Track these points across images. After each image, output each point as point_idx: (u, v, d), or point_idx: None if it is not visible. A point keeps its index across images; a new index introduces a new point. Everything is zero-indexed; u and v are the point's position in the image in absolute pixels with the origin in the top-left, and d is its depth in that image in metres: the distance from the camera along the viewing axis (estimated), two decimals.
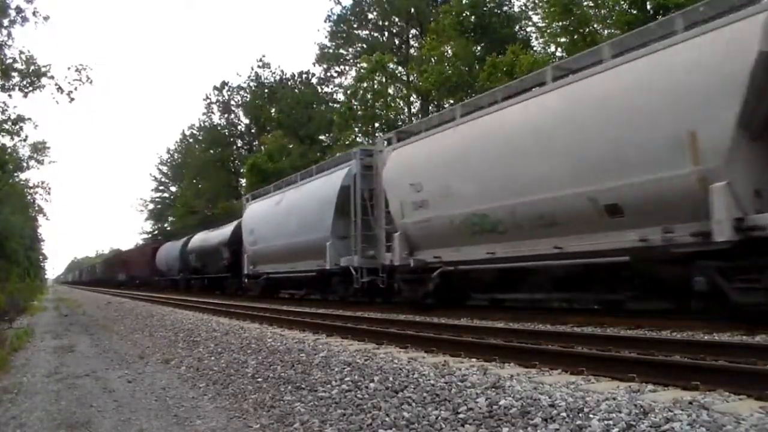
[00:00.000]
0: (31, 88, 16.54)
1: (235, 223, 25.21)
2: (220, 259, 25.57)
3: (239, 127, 50.01)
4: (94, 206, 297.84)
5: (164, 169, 63.41)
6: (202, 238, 29.57)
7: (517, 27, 23.32)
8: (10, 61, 16.38)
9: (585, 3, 17.85)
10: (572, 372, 4.88)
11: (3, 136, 19.02)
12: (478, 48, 23.02)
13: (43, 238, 60.88)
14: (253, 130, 48.01)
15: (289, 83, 44.59)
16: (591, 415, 3.45)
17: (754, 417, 3.18)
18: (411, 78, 28.18)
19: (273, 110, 43.38)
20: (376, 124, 28.19)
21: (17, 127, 18.27)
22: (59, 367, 7.82)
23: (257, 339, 8.25)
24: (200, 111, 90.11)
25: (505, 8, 23.50)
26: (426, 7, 30.30)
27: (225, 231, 25.88)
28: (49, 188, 33.50)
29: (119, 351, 9.27)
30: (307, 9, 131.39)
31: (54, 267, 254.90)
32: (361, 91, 27.25)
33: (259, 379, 5.87)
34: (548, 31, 19.46)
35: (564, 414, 3.56)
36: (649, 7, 15.87)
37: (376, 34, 34.92)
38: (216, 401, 5.38)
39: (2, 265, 27.19)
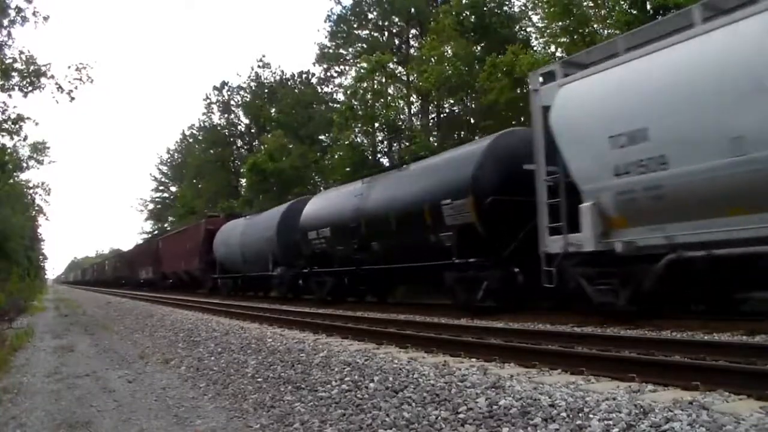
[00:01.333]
0: (31, 88, 16.49)
1: (483, 143, 11.54)
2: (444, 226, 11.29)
3: (239, 127, 49.95)
4: (94, 206, 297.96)
5: (164, 169, 63.41)
6: (351, 191, 15.03)
7: (517, 27, 23.32)
8: (10, 61, 16.35)
9: (585, 3, 17.85)
10: (572, 372, 4.88)
11: (3, 136, 18.97)
12: (478, 48, 23.02)
13: (43, 238, 60.79)
14: (253, 130, 47.96)
15: (289, 83, 44.56)
16: (591, 415, 3.46)
17: (754, 417, 3.18)
18: (411, 78, 28.20)
19: (273, 110, 43.36)
20: (376, 124, 28.18)
21: (17, 126, 18.19)
22: (59, 367, 7.82)
23: (257, 339, 8.25)
24: (200, 111, 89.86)
25: (505, 8, 23.51)
26: (426, 7, 30.29)
27: (459, 157, 11.80)
28: (49, 189, 33.38)
29: (119, 351, 9.27)
30: (307, 9, 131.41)
31: (54, 267, 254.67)
32: (361, 91, 27.26)
33: (259, 379, 5.87)
34: (548, 31, 19.46)
35: (564, 414, 3.56)
36: (649, 7, 15.87)
37: (376, 34, 34.89)
38: (216, 401, 5.38)
39: (2, 265, 27.17)
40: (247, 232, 21.58)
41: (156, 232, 61.65)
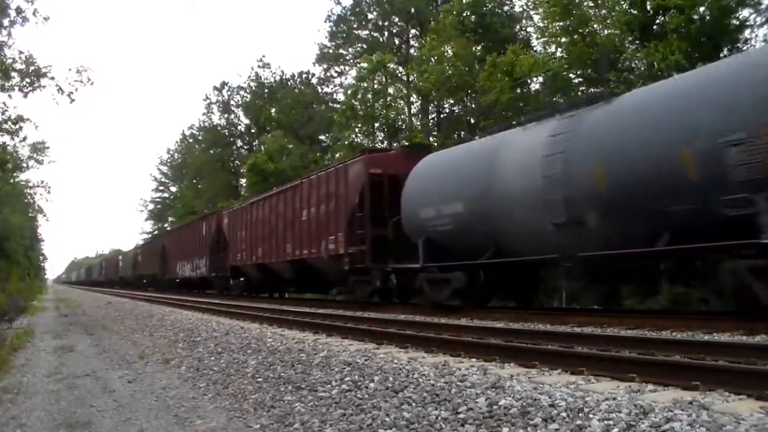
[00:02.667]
0: (31, 89, 16.49)
1: None
2: None
3: (239, 127, 49.96)
4: (94, 206, 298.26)
5: (164, 169, 63.43)
6: None
7: (518, 27, 23.32)
8: (10, 61, 16.35)
9: (585, 3, 17.83)
10: (572, 372, 4.87)
11: (2, 135, 18.97)
12: (478, 48, 23.02)
13: (43, 238, 60.70)
14: (253, 130, 47.95)
15: (289, 83, 44.56)
16: (591, 415, 3.46)
17: (754, 417, 3.18)
18: (411, 78, 28.20)
19: (273, 110, 43.36)
20: (376, 124, 28.19)
21: (17, 126, 18.18)
22: (59, 367, 7.82)
23: (257, 339, 8.25)
24: (200, 111, 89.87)
25: (506, 8, 23.51)
26: (426, 7, 30.27)
27: None
28: (49, 187, 33.29)
29: (119, 351, 9.27)
30: (307, 9, 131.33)
31: (54, 267, 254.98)
32: (362, 91, 27.26)
33: (259, 379, 5.87)
34: (548, 31, 19.44)
35: (564, 414, 3.56)
36: (649, 7, 15.86)
37: (376, 34, 34.87)
38: (216, 401, 5.38)
39: (2, 265, 27.16)
40: (612, 136, 8.51)
41: (156, 232, 61.08)
